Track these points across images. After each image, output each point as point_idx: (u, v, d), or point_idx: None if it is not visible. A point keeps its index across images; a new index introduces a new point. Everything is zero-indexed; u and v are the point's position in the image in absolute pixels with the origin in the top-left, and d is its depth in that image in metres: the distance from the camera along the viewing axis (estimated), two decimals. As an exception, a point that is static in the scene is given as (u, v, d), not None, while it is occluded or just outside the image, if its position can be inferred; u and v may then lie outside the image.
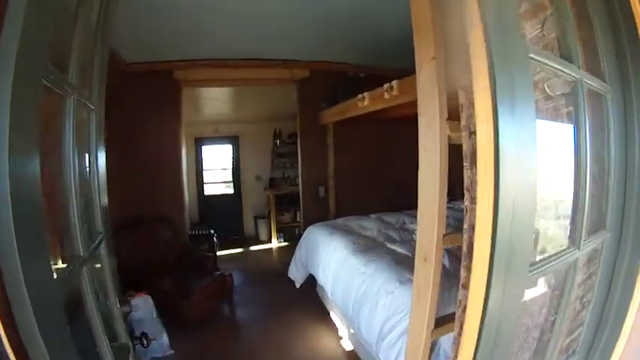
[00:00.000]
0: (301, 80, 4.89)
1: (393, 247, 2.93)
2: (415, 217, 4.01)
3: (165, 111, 4.57)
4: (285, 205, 7.24)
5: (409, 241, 3.05)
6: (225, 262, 5.89)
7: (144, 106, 4.44)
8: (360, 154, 5.28)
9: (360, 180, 5.30)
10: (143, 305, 3.26)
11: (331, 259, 3.08)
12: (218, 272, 4.17)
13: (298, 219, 7.09)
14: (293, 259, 4.14)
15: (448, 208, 1.21)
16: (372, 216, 4.17)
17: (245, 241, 7.38)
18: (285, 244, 7.13)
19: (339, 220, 4.13)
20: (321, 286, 3.49)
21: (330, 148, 5.06)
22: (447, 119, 1.11)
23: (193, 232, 5.28)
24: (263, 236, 7.38)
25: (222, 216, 7.52)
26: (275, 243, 7.13)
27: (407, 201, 5.35)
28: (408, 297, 2.01)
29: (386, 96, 2.73)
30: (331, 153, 5.06)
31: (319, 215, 4.95)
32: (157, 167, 4.55)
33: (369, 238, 3.20)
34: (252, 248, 6.94)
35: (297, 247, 4.12)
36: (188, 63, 4.43)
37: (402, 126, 5.52)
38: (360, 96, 3.33)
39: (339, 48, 4.46)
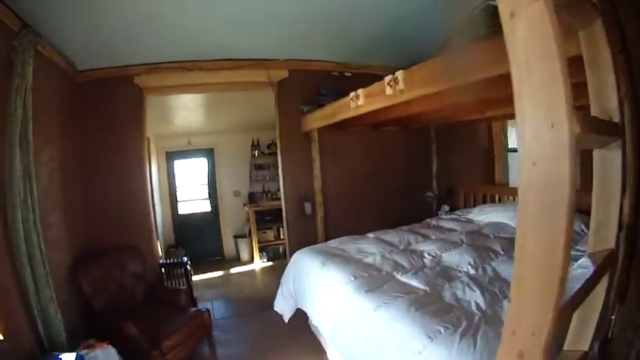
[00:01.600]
0: (279, 82, 4.36)
1: (404, 279, 2.37)
2: (421, 235, 3.49)
3: (127, 123, 3.97)
4: (267, 222, 6.67)
5: (422, 269, 2.51)
6: (204, 289, 5.31)
7: (102, 119, 3.86)
8: (350, 163, 4.79)
9: (351, 193, 4.79)
10: (104, 359, 2.66)
11: (327, 300, 2.49)
12: (194, 309, 3.57)
13: (282, 236, 6.57)
14: (280, 290, 3.56)
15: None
16: (370, 235, 3.63)
17: (225, 263, 6.75)
18: (269, 263, 6.56)
19: (332, 243, 3.56)
20: (316, 326, 2.93)
21: (316, 158, 4.53)
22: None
23: (167, 261, 4.65)
24: (245, 256, 6.77)
25: (200, 236, 6.90)
26: (258, 263, 6.53)
27: (404, 214, 5.01)
28: (444, 357, 1.49)
29: (388, 91, 2.21)
30: (317, 164, 4.53)
31: (307, 235, 4.41)
32: (120, 188, 3.94)
33: (373, 268, 2.60)
34: (234, 270, 6.31)
35: (284, 277, 3.55)
36: (150, 67, 3.85)
37: (398, 130, 5.14)
38: (352, 94, 2.81)
39: (319, 44, 3.98)
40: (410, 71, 2.09)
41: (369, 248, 3.10)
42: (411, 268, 2.56)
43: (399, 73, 2.13)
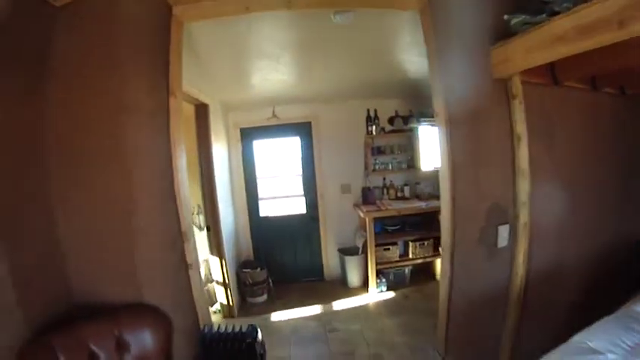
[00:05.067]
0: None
1: None
2: None
3: (139, 69, 2.01)
4: (392, 233, 4.39)
5: None
6: (289, 342, 3.34)
7: (86, 62, 1.93)
8: (569, 151, 2.34)
9: (572, 208, 2.33)
10: None
11: None
12: None
13: (411, 254, 4.28)
14: None
15: None
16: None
17: (326, 288, 4.67)
18: (390, 294, 4.33)
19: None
20: None
21: (522, 136, 2.10)
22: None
23: (223, 330, 2.64)
24: (354, 280, 4.59)
25: (290, 248, 4.89)
26: (374, 292, 4.32)
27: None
28: None
29: None
30: (523, 147, 2.10)
31: (491, 282, 2.08)
32: (122, 193, 1.97)
33: None
34: (339, 305, 4.17)
35: None
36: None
37: (617, 95, 2.48)
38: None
39: None
40: None
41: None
42: None
43: None
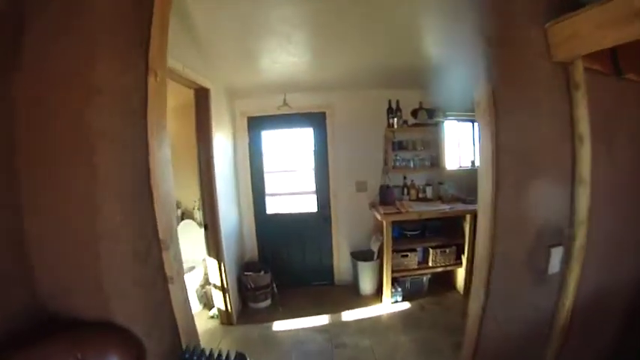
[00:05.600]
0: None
1: None
2: None
3: (122, 43, 1.63)
4: (411, 239, 3.99)
5: None
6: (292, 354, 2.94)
7: (67, 43, 1.55)
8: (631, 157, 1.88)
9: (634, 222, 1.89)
10: None
11: None
12: None
13: (430, 262, 3.89)
14: None
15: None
16: None
17: (335, 295, 4.29)
18: (405, 305, 3.94)
19: None
20: None
21: (584, 136, 1.66)
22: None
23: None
24: (366, 287, 4.20)
25: (298, 248, 4.50)
26: (387, 302, 3.93)
27: None
28: None
29: None
30: (586, 151, 1.66)
31: (536, 314, 1.73)
32: (91, 184, 1.59)
33: None
34: (348, 315, 3.79)
35: None
36: None
37: None
38: None
39: None
40: None
41: None
42: None
43: None
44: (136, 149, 1.64)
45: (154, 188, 1.68)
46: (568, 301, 1.78)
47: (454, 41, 2.28)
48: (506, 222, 1.76)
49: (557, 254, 1.70)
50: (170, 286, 1.79)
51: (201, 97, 3.34)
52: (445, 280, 4.26)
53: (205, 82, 3.19)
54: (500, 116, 1.71)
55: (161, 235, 1.73)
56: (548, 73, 1.71)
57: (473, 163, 4.59)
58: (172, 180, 1.84)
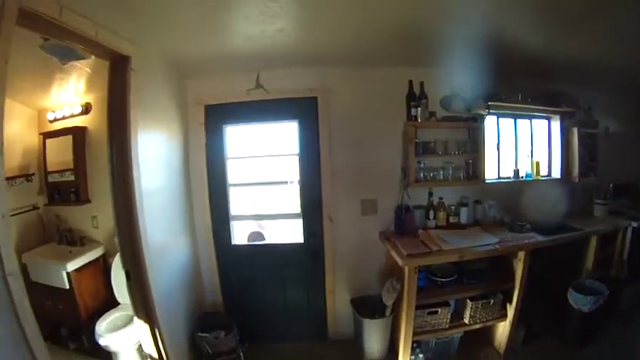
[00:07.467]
0: None
1: None
2: None
3: None
4: (442, 288, 2.73)
5: None
6: None
7: None
8: None
9: None
10: None
11: None
12: None
13: (468, 319, 2.65)
14: None
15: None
16: None
17: (329, 356, 3.06)
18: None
19: None
20: None
21: None
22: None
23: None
24: (374, 348, 2.93)
25: (278, 293, 3.20)
26: (402, 375, 2.70)
27: None
28: None
29: None
30: None
31: None
32: None
33: None
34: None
35: None
36: None
37: None
38: None
39: None
40: None
41: None
42: None
43: None
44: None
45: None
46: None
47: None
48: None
49: None
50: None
51: (117, 70, 2.02)
52: (481, 334, 3.03)
53: (124, 46, 1.87)
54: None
55: None
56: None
57: (517, 172, 3.36)
58: None
